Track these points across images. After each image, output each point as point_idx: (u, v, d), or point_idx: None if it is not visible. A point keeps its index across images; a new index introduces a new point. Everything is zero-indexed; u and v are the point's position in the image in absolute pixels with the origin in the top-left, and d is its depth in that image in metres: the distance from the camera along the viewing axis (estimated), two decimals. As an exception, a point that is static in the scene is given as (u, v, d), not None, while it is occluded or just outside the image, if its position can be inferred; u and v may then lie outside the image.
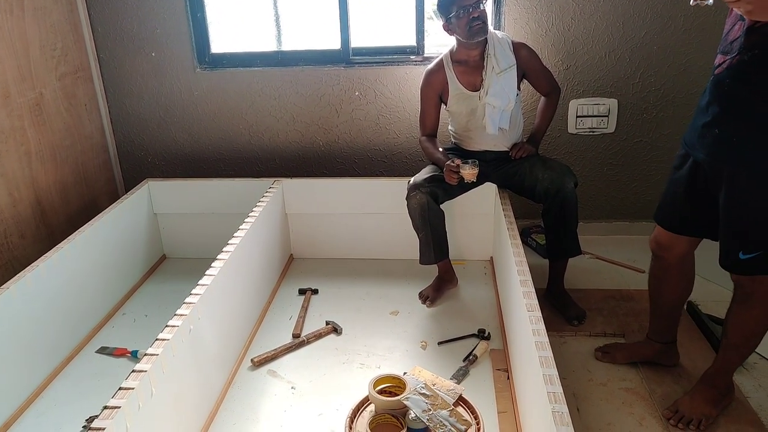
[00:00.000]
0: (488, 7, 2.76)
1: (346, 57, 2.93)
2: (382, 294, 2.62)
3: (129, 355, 2.25)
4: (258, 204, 2.56)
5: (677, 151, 1.78)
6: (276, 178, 2.84)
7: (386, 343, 2.27)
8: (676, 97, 2.81)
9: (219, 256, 2.08)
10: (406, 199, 2.46)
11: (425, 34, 2.89)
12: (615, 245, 2.97)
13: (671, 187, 1.80)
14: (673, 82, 2.79)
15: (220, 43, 3.04)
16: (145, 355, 1.56)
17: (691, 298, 2.29)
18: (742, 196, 1.58)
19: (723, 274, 1.70)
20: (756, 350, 1.82)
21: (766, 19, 1.29)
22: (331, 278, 2.76)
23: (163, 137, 3.15)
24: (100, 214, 2.54)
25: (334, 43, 2.94)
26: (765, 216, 1.56)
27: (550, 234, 2.44)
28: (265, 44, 3.03)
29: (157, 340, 1.62)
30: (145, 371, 1.49)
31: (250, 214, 2.44)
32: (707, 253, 1.84)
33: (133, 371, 1.49)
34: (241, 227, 2.31)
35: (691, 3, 1.35)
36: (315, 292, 2.65)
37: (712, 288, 2.44)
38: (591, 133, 2.93)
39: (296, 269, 2.87)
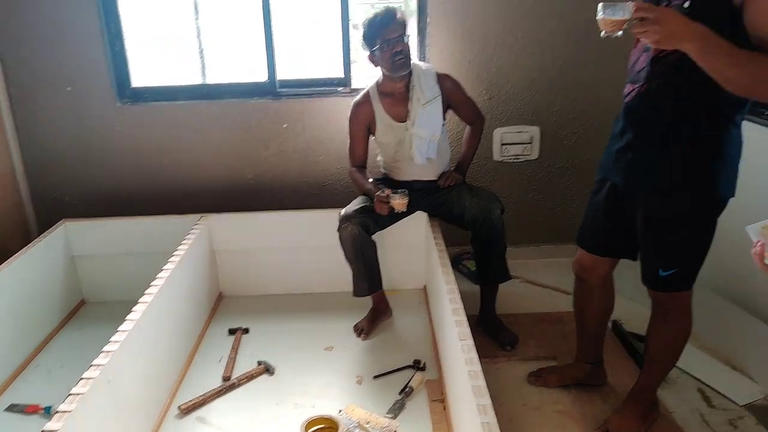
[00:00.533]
0: (412, 39, 2.83)
1: (272, 89, 2.90)
2: (316, 329, 2.56)
3: (42, 411, 2.08)
4: (183, 242, 2.47)
5: (595, 176, 1.86)
6: (202, 214, 2.76)
7: (321, 381, 2.21)
8: (592, 123, 2.94)
9: (141, 299, 1.98)
10: (338, 230, 2.44)
11: (355, 63, 2.91)
12: (544, 268, 3.04)
13: (591, 211, 1.86)
14: (589, 110, 2.92)
15: (141, 77, 2.95)
16: (57, 412, 1.44)
17: (614, 316, 2.37)
18: (658, 216, 1.64)
19: (644, 292, 1.77)
20: (677, 365, 1.89)
21: (671, 47, 1.36)
22: (262, 316, 2.68)
23: (81, 175, 3.00)
24: (10, 259, 2.38)
25: (260, 76, 2.91)
26: (680, 234, 1.63)
27: (479, 261, 2.48)
28: (190, 77, 2.97)
29: (70, 395, 1.51)
30: (56, 431, 1.38)
31: (174, 253, 2.34)
32: (628, 272, 1.91)
33: None
34: (165, 267, 2.22)
35: (602, 35, 1.41)
36: (246, 331, 2.56)
37: (634, 306, 2.53)
38: (516, 160, 3.02)
39: (226, 308, 2.78)
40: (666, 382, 2.07)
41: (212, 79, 2.97)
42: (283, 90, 2.91)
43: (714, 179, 1.55)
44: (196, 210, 2.87)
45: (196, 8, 2.88)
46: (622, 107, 1.68)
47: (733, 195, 1.58)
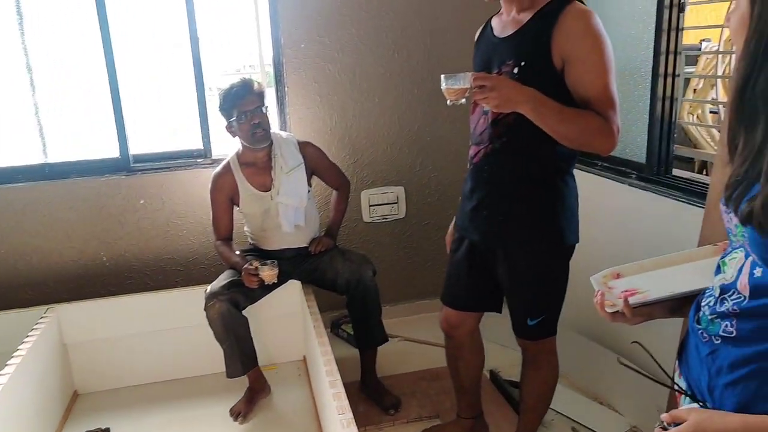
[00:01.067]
0: (272, 108, 2.83)
1: (126, 165, 2.74)
2: (188, 418, 2.36)
3: None
4: (27, 338, 2.19)
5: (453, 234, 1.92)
6: (49, 305, 2.48)
7: (195, 477, 2.02)
8: (452, 180, 3.08)
9: (-30, 415, 1.71)
10: (205, 309, 2.30)
11: (216, 133, 2.83)
12: (420, 324, 3.07)
13: (452, 269, 1.91)
14: (448, 168, 3.07)
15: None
16: None
17: (491, 365, 2.43)
18: (518, 269, 1.72)
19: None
20: (551, 407, 1.96)
21: (509, 110, 1.47)
22: (126, 411, 2.42)
23: None
24: None
25: (112, 151, 2.74)
26: (541, 284, 1.72)
27: (356, 325, 2.45)
28: (29, 157, 2.72)
29: None
30: None
31: (15, 353, 2.07)
32: (502, 319, 1.97)
33: None
34: (3, 371, 1.95)
35: (448, 104, 1.50)
36: (106, 431, 2.30)
37: (510, 353, 2.62)
38: (384, 220, 3.08)
39: (82, 407, 2.48)
40: (543, 425, 2.13)
41: (55, 157, 2.74)
42: (138, 165, 2.76)
43: (562, 229, 1.66)
44: (41, 301, 2.59)
45: (32, 84, 2.68)
46: (469, 168, 1.77)
47: (578, 241, 1.71)
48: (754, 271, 0.89)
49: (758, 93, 0.79)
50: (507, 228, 1.69)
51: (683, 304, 1.08)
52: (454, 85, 1.44)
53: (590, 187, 2.44)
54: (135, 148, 2.78)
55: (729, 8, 0.86)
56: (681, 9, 1.94)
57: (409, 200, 3.08)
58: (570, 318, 1.95)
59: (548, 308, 1.74)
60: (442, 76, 1.46)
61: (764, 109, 0.79)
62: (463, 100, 1.47)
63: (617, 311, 1.05)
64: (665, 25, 1.98)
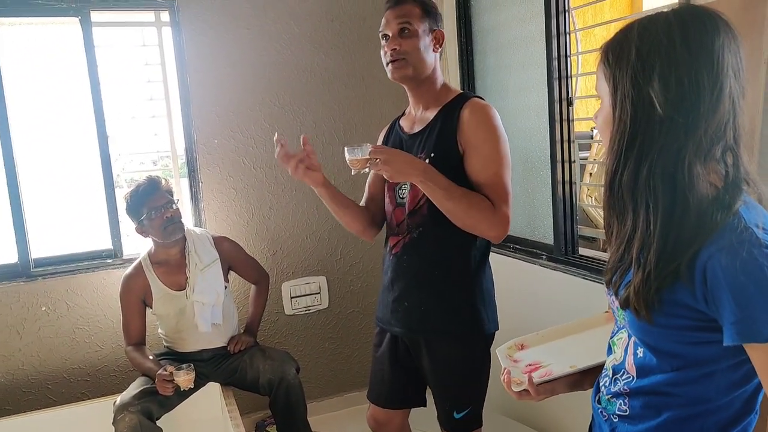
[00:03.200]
0: (185, 203, 2.78)
1: (26, 270, 2.56)
2: None
3: None
4: None
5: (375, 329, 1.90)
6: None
7: None
8: (375, 267, 3.09)
9: None
10: (114, 423, 2.13)
11: (127, 237, 2.72)
12: (349, 418, 2.97)
13: (376, 365, 1.88)
14: (369, 255, 3.08)
15: None
16: None
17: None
18: (442, 360, 1.70)
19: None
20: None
21: (402, 180, 1.57)
22: None
23: None
24: None
25: (9, 257, 2.56)
26: (466, 375, 1.71)
27: (280, 426, 2.35)
28: None
29: None
30: None
31: None
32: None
33: None
34: None
35: (352, 173, 1.57)
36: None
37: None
38: (307, 312, 3.01)
39: None
40: None
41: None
42: (39, 270, 2.59)
43: (482, 318, 1.68)
44: None
45: None
46: (388, 259, 1.78)
47: (498, 328, 1.73)
48: (637, 352, 0.94)
49: (624, 185, 0.85)
50: (428, 318, 1.69)
51: (583, 379, 1.12)
52: (356, 156, 1.53)
53: (504, 269, 2.52)
54: (36, 252, 2.62)
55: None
56: (570, 103, 2.12)
57: (332, 289, 3.05)
58: (494, 399, 1.94)
59: (473, 399, 1.73)
60: (345, 147, 1.55)
61: (630, 200, 0.85)
62: (367, 170, 1.55)
63: (522, 390, 1.07)
64: (557, 117, 2.15)
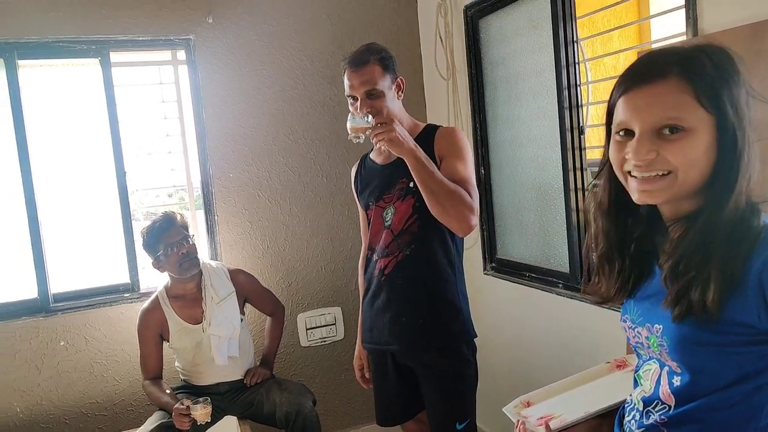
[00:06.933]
0: (202, 238, 2.81)
1: (45, 305, 2.59)
2: None
3: None
4: None
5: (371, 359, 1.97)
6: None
7: None
8: (389, 297, 3.09)
9: None
10: (131, 460, 2.12)
11: (143, 269, 2.75)
12: (368, 450, 2.94)
13: (381, 389, 1.94)
14: (383, 285, 3.08)
15: None
16: None
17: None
18: (441, 374, 1.77)
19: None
20: None
21: (397, 151, 1.64)
22: None
23: None
24: None
25: (29, 292, 2.60)
26: (463, 385, 1.78)
27: (297, 459, 2.31)
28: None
29: None
30: None
31: None
32: None
33: None
34: None
35: (349, 138, 1.69)
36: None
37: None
38: (323, 343, 3.01)
39: None
40: None
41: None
42: (59, 305, 2.62)
43: (469, 328, 1.80)
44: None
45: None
46: (379, 280, 1.83)
47: (476, 335, 1.83)
48: (673, 381, 0.93)
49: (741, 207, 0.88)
50: (426, 332, 1.77)
51: (601, 423, 1.11)
52: (358, 123, 1.66)
53: (521, 297, 2.52)
54: (55, 287, 2.65)
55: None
56: (581, 132, 2.13)
57: (347, 320, 3.05)
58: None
59: (471, 410, 1.80)
60: (350, 114, 1.71)
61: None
62: (362, 139, 1.68)
63: None
64: (569, 145, 2.16)
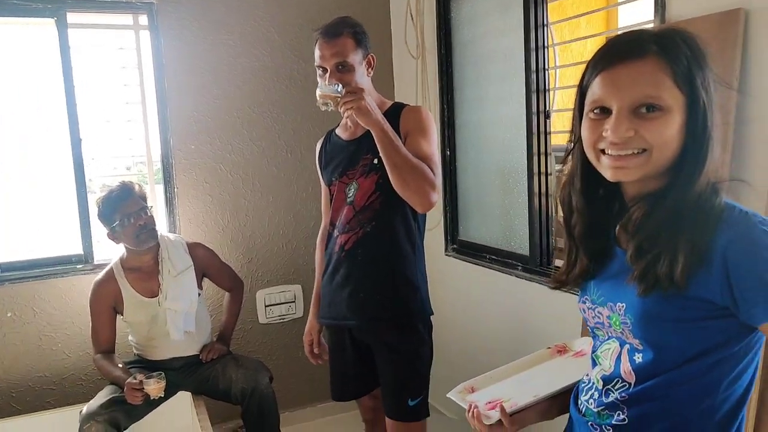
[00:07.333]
0: (160, 209, 2.74)
1: (-9, 274, 2.50)
2: None
3: None
4: None
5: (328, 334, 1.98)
6: None
7: None
8: (350, 276, 3.08)
9: None
10: (79, 434, 2.06)
11: (98, 243, 2.66)
12: (325, 428, 2.94)
13: (337, 364, 1.97)
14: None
15: None
16: None
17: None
18: (397, 348, 1.79)
19: None
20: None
21: (364, 121, 1.64)
22: None
23: None
24: None
25: (-26, 261, 2.49)
26: (419, 360, 1.80)
27: (253, 436, 2.29)
28: None
29: None
30: None
31: None
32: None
33: None
34: None
35: (320, 106, 1.68)
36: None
37: None
38: (282, 320, 2.99)
39: None
40: None
41: None
42: (5, 274, 2.52)
43: (427, 306, 1.83)
44: None
45: None
46: (337, 258, 1.83)
47: (433, 313, 1.85)
48: (634, 358, 0.94)
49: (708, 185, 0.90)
50: (384, 308, 1.79)
51: (551, 407, 1.13)
52: (327, 91, 1.65)
53: (481, 278, 2.54)
54: (3, 256, 2.55)
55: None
56: (547, 116, 2.14)
57: (307, 298, 3.01)
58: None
59: (424, 387, 1.82)
60: (320, 81, 1.70)
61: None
62: (331, 106, 1.67)
63: (493, 423, 1.07)
64: (535, 129, 2.17)
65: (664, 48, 0.87)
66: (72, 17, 2.56)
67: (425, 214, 1.85)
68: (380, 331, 1.81)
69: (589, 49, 2.55)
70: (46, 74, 2.57)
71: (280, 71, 2.87)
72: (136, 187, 2.27)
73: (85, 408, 2.13)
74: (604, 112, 0.90)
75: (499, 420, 1.07)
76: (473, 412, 1.09)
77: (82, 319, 2.57)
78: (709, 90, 0.88)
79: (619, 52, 0.89)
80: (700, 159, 0.87)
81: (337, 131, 1.95)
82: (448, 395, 1.16)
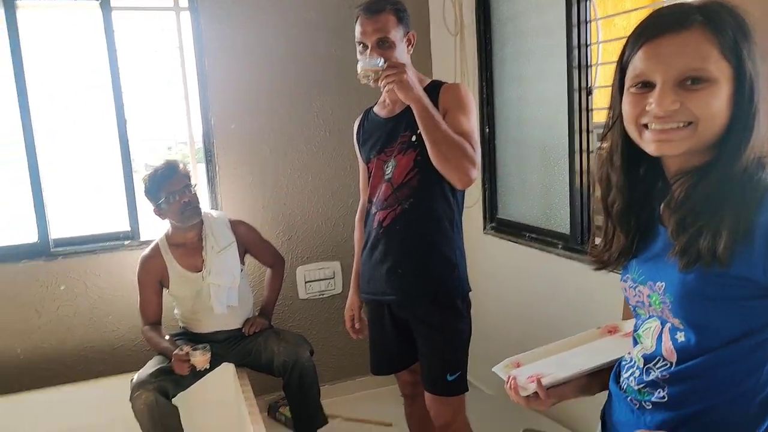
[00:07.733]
0: (203, 188, 2.81)
1: (45, 250, 2.60)
2: None
3: None
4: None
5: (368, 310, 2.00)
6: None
7: None
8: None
9: None
10: (131, 400, 2.17)
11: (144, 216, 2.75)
12: (364, 401, 3.00)
13: (377, 339, 1.98)
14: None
15: None
16: None
17: None
18: (437, 323, 1.80)
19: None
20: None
21: (405, 96, 1.65)
22: None
23: None
24: None
25: (29, 236, 2.61)
26: (458, 338, 1.82)
27: (294, 408, 2.38)
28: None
29: None
30: None
31: None
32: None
33: None
34: None
35: (362, 82, 1.69)
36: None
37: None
38: (321, 296, 3.04)
39: None
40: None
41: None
42: (59, 249, 2.63)
43: (465, 283, 1.83)
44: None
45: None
46: (377, 233, 1.84)
47: (471, 289, 1.86)
48: (676, 337, 0.93)
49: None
50: (423, 284, 1.80)
51: (591, 383, 1.13)
52: (369, 65, 1.66)
53: (520, 257, 2.54)
54: (56, 232, 2.66)
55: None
56: (589, 93, 2.11)
57: (346, 274, 3.06)
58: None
59: (463, 362, 1.84)
60: (360, 57, 1.71)
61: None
62: (372, 79, 1.67)
63: (530, 395, 1.07)
64: (576, 107, 2.14)
65: (710, 18, 0.85)
66: (115, 0, 2.62)
67: (464, 192, 1.84)
68: (418, 307, 1.83)
69: (633, 22, 2.47)
70: (92, 56, 2.64)
71: (318, 51, 2.88)
72: (181, 166, 2.33)
73: (136, 376, 2.23)
74: (647, 86, 0.88)
75: (536, 392, 1.08)
76: (511, 383, 1.10)
77: (130, 293, 2.67)
78: (755, 61, 0.86)
79: (662, 23, 0.88)
80: (746, 132, 0.85)
81: (375, 109, 1.96)
82: (493, 369, 1.17)
